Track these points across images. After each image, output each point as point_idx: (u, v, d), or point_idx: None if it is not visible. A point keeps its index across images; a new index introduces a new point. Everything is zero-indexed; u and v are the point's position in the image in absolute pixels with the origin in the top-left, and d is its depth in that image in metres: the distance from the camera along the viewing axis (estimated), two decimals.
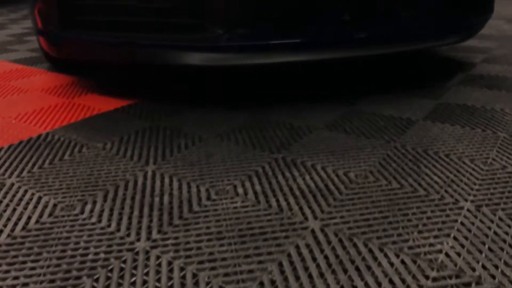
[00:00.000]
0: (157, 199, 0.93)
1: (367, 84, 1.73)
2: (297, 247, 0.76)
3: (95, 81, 1.84)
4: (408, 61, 2.12)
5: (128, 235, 0.81)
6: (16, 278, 0.71)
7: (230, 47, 1.34)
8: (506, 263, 0.71)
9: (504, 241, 0.76)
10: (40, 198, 0.95)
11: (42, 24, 1.55)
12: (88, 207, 0.91)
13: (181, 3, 1.31)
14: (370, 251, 0.75)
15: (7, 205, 0.92)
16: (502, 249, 0.74)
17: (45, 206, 0.91)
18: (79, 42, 1.45)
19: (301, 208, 0.88)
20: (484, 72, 1.87)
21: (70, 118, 1.43)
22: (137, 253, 0.76)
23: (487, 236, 0.78)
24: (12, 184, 1.00)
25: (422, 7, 1.49)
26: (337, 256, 0.73)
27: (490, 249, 0.74)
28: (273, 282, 0.68)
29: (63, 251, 0.77)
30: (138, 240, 0.79)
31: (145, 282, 0.69)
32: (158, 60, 1.38)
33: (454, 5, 1.57)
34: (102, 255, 0.75)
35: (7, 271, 0.72)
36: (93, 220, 0.86)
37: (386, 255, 0.73)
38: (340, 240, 0.77)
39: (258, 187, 0.96)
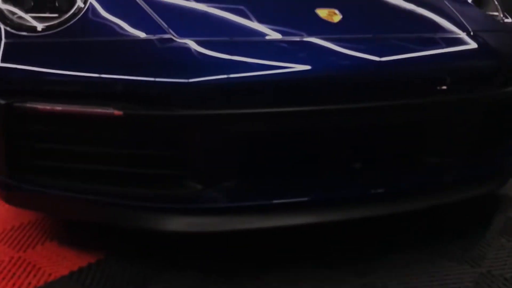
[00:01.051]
0: None
1: (381, 235, 1.41)
2: None
3: (60, 222, 1.55)
4: None
5: None
6: None
7: (212, 210, 1.05)
8: None
9: None
10: None
11: None
12: None
13: (143, 149, 1.06)
14: None
15: None
16: None
17: None
18: (29, 192, 1.18)
19: None
20: None
21: None
22: None
23: None
24: None
25: (452, 151, 1.22)
26: None
27: None
28: None
29: None
30: None
31: None
32: (120, 221, 1.10)
33: (491, 145, 1.30)
34: None
35: None
36: None
37: None
38: None
39: None
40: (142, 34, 1.10)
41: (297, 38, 1.13)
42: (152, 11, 1.14)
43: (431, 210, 1.68)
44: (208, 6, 1.19)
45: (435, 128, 1.19)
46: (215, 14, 1.17)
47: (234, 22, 1.15)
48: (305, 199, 1.08)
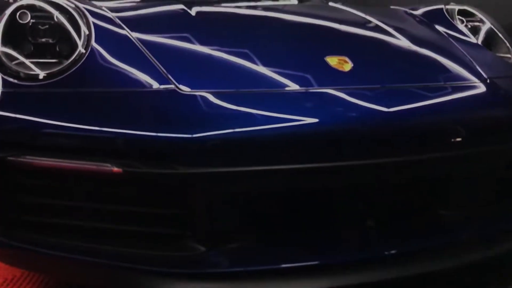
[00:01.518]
0: None
1: None
2: None
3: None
4: None
5: None
6: None
7: (216, 275, 0.98)
8: None
9: None
10: None
11: None
12: None
13: (143, 207, 0.99)
14: None
15: None
16: None
17: None
18: (21, 250, 1.11)
19: None
20: None
21: None
22: None
23: None
24: None
25: (475, 206, 1.15)
26: None
27: None
28: None
29: None
30: None
31: None
32: (116, 285, 1.02)
33: None
34: None
35: None
36: None
37: None
38: None
39: None
40: (144, 85, 1.04)
41: (308, 90, 1.08)
42: (155, 60, 1.09)
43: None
44: (214, 56, 1.15)
45: (454, 183, 1.12)
46: (221, 64, 1.13)
47: (241, 72, 1.11)
48: (317, 262, 1.00)
